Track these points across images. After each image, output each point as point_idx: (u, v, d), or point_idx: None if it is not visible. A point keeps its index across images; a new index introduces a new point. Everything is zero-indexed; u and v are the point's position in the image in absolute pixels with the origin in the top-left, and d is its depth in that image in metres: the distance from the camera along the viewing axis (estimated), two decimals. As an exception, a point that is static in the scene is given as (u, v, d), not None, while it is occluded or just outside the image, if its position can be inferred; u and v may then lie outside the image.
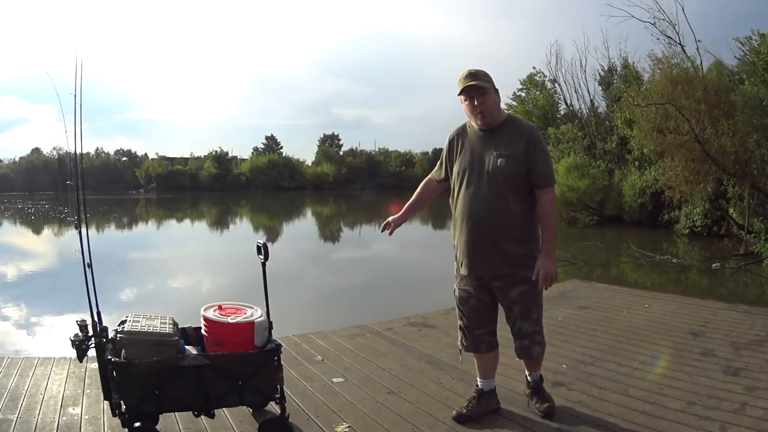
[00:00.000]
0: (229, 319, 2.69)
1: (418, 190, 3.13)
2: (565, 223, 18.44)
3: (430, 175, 3.11)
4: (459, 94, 2.72)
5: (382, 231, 3.08)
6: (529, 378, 3.02)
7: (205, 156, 59.14)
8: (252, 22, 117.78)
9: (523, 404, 3.04)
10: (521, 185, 2.69)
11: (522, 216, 2.72)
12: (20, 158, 61.07)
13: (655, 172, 15.79)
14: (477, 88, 2.66)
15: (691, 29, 17.22)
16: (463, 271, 2.84)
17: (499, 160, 2.67)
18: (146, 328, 2.55)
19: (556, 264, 2.70)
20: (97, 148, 62.00)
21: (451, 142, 2.91)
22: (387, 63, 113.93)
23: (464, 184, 2.78)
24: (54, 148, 56.42)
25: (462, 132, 2.89)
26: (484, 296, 2.82)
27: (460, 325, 2.94)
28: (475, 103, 2.68)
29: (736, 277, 9.91)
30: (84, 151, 2.95)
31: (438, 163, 3.03)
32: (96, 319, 2.53)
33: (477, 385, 2.99)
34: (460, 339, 2.96)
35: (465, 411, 2.90)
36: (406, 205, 3.14)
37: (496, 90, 2.73)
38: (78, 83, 2.60)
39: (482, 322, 2.86)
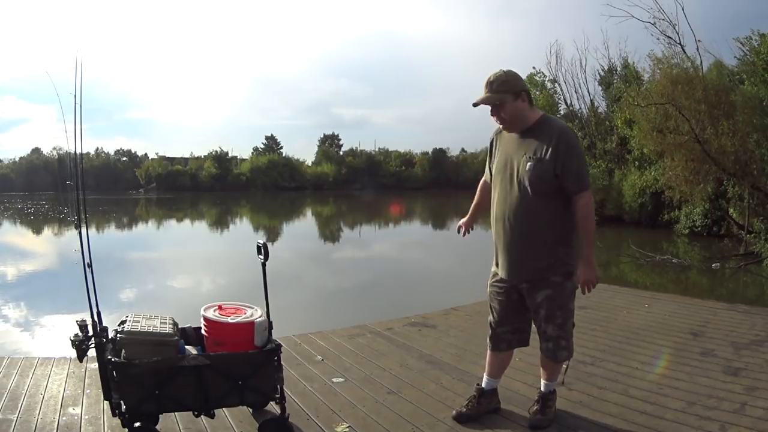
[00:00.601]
0: (229, 319, 2.69)
1: (478, 192, 3.14)
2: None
3: (483, 177, 3.10)
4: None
5: (458, 232, 3.16)
6: (542, 387, 2.91)
7: (205, 156, 59.13)
8: (252, 22, 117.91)
9: (523, 404, 3.04)
10: (550, 189, 2.60)
11: (551, 221, 2.64)
12: (20, 158, 61.11)
13: (655, 172, 15.81)
14: (489, 103, 2.63)
15: (691, 29, 17.28)
16: (494, 269, 2.87)
17: (528, 164, 2.60)
18: (146, 328, 2.55)
19: (596, 270, 2.64)
20: (97, 148, 62.04)
21: (491, 142, 2.92)
22: (387, 63, 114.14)
23: (497, 186, 2.78)
24: (54, 148, 56.49)
25: (499, 132, 2.86)
26: (513, 294, 2.80)
27: (489, 321, 2.95)
28: (494, 115, 2.68)
29: (736, 277, 9.92)
30: (84, 151, 2.96)
31: (486, 165, 3.02)
32: (96, 319, 2.53)
33: (478, 384, 3.00)
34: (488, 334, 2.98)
35: (465, 410, 2.91)
36: (471, 207, 3.17)
37: (519, 93, 2.61)
38: (78, 83, 2.60)
39: (507, 320, 2.85)
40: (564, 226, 2.66)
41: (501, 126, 2.75)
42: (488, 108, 2.67)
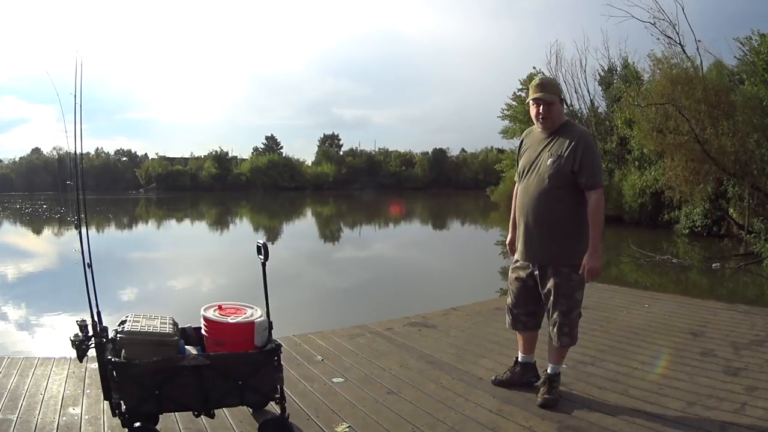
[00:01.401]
0: (229, 319, 2.68)
1: (513, 203, 3.30)
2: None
3: (516, 184, 3.30)
4: (529, 100, 3.07)
5: (511, 253, 3.31)
6: (548, 369, 3.13)
7: (205, 156, 59.19)
8: (252, 21, 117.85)
9: (524, 404, 3.05)
10: (567, 184, 2.92)
11: (565, 213, 2.95)
12: (20, 158, 61.16)
13: (655, 172, 15.81)
14: (544, 100, 2.96)
15: (691, 29, 17.31)
16: (515, 255, 3.20)
17: (549, 160, 2.95)
18: (146, 328, 2.55)
19: (601, 260, 2.88)
20: (97, 148, 62.07)
21: (520, 143, 3.28)
22: (387, 63, 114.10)
23: (522, 180, 3.13)
24: (54, 148, 56.54)
25: (528, 134, 3.24)
26: (528, 280, 3.11)
27: (507, 303, 3.29)
28: (541, 110, 2.99)
29: (736, 277, 9.91)
30: (84, 151, 2.96)
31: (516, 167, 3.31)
32: (96, 319, 2.53)
33: (516, 357, 3.33)
34: (506, 316, 3.31)
35: (502, 376, 3.31)
36: (510, 224, 3.33)
37: (562, 99, 3.06)
38: (78, 83, 2.60)
39: (522, 303, 3.17)
40: (578, 221, 2.94)
41: (540, 123, 3.04)
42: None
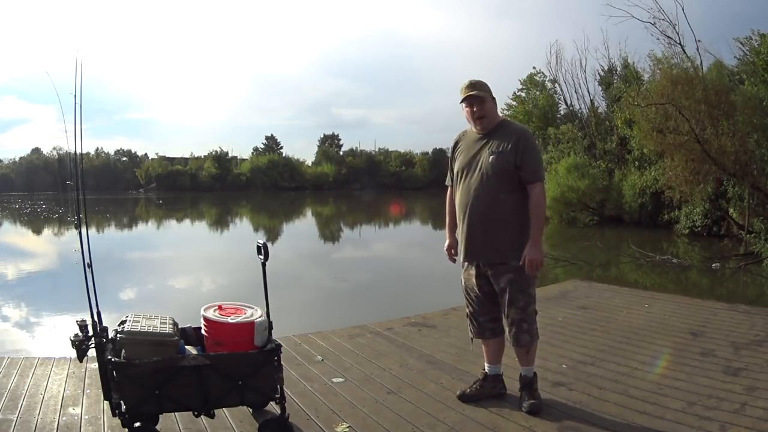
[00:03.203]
0: (229, 319, 2.68)
1: (447, 207, 3.23)
2: (565, 223, 18.44)
3: (449, 187, 3.24)
4: (461, 102, 3.01)
5: (450, 259, 3.19)
6: (522, 373, 3.06)
7: (205, 156, 59.18)
8: (252, 22, 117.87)
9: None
10: (510, 180, 2.91)
11: (511, 209, 2.92)
12: (20, 158, 61.23)
13: (655, 172, 15.80)
14: (476, 97, 2.95)
15: (691, 29, 17.27)
16: (462, 258, 3.09)
17: (490, 157, 2.92)
18: (146, 328, 2.55)
19: (542, 252, 2.89)
20: (97, 148, 62.12)
21: (453, 146, 3.20)
22: (387, 63, 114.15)
23: (461, 180, 3.05)
24: (54, 148, 56.59)
25: (462, 136, 3.17)
26: (484, 285, 3.03)
27: (467, 313, 3.19)
28: (474, 109, 2.97)
29: (736, 277, 9.91)
30: (84, 151, 2.96)
31: (448, 171, 3.22)
32: (96, 319, 2.53)
33: (483, 369, 3.20)
34: (468, 326, 3.21)
35: (468, 391, 3.13)
36: (447, 229, 3.24)
37: (494, 98, 3.02)
38: (78, 83, 2.61)
39: (485, 309, 3.08)
40: (524, 215, 2.92)
41: (477, 123, 3.00)
42: (460, 107, 3.02)
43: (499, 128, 3.00)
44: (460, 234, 3.06)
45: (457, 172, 3.08)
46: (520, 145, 2.89)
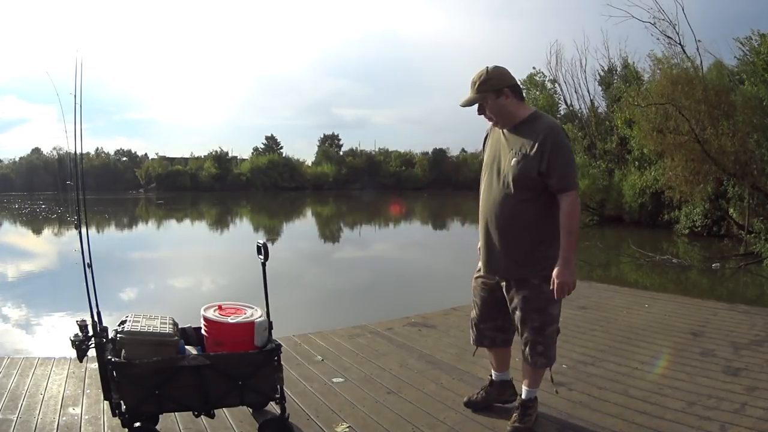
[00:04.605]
0: (229, 319, 2.68)
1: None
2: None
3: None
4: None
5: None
6: (522, 393, 2.81)
7: (205, 156, 59.14)
8: (253, 22, 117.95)
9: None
10: (534, 187, 2.53)
11: (534, 220, 2.57)
12: (20, 158, 61.18)
13: (655, 172, 15.79)
14: (473, 102, 2.62)
15: (691, 29, 17.31)
16: (480, 266, 2.81)
17: (513, 160, 2.56)
18: (146, 328, 2.55)
19: (574, 273, 2.49)
20: (97, 148, 62.07)
21: (484, 139, 2.88)
22: (387, 63, 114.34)
23: (484, 180, 2.75)
24: (54, 148, 56.55)
25: (491, 130, 2.81)
26: (496, 292, 2.75)
27: (471, 316, 2.94)
28: (481, 114, 2.67)
29: (736, 277, 9.91)
30: (84, 151, 2.96)
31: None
32: (96, 319, 2.53)
33: (490, 375, 3.03)
34: (470, 331, 2.97)
35: (474, 397, 3.00)
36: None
37: (501, 90, 2.56)
38: (78, 83, 2.60)
39: (488, 316, 2.83)
40: (547, 227, 2.55)
41: (494, 125, 2.73)
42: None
43: (526, 125, 2.58)
44: (480, 240, 2.77)
45: (482, 171, 2.78)
46: (546, 147, 2.46)
